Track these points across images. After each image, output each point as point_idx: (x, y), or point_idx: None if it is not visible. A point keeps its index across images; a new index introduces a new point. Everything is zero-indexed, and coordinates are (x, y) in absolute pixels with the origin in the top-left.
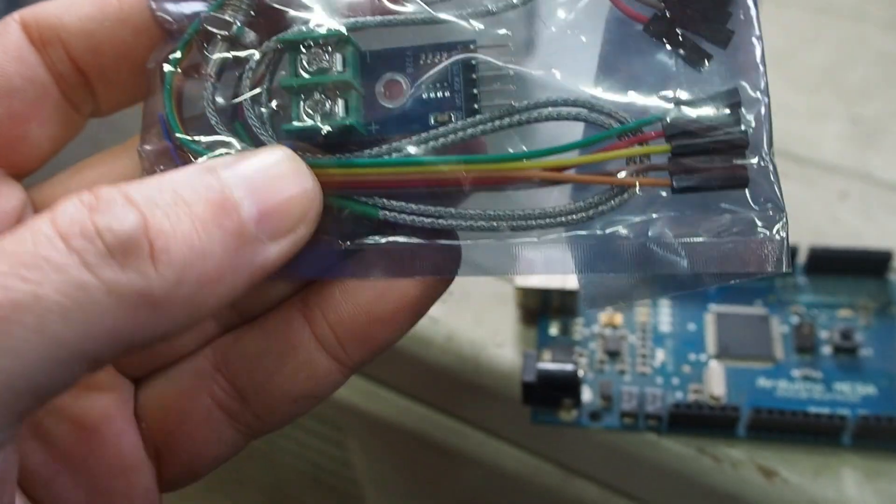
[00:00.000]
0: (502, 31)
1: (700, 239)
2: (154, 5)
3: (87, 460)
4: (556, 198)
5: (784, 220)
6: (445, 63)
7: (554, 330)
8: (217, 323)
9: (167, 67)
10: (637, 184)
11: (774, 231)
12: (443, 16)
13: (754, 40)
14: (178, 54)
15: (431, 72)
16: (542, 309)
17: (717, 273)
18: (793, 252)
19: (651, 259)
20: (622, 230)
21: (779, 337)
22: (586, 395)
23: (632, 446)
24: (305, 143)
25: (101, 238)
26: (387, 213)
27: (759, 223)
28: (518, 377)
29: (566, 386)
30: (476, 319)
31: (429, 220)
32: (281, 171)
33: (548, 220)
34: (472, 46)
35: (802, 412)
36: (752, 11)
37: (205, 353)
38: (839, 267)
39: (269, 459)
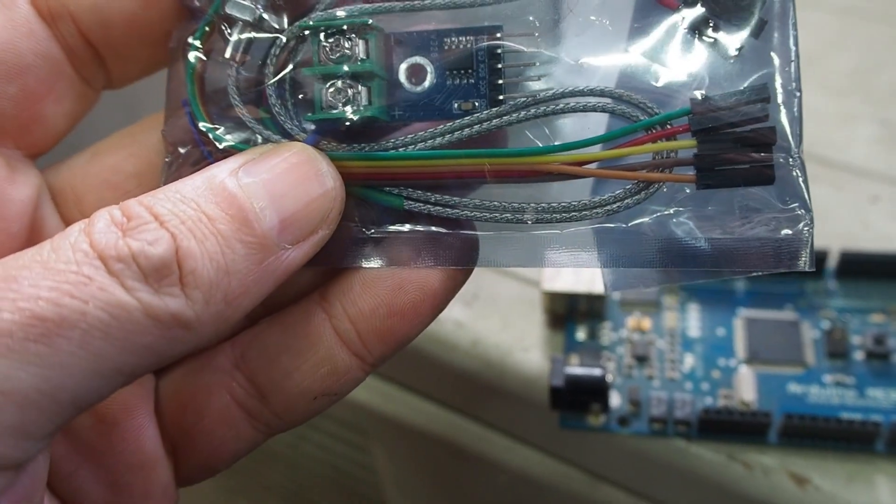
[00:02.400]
0: (530, 18)
1: (725, 235)
2: None
3: (108, 454)
4: (571, 190)
5: (810, 218)
6: (470, 49)
7: (581, 334)
8: None
9: (192, 53)
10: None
11: (800, 230)
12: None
13: (788, 31)
14: (198, 34)
15: (455, 57)
16: (568, 313)
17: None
18: (823, 256)
19: (675, 254)
20: (646, 224)
21: (810, 342)
22: (615, 400)
23: (661, 452)
24: (329, 130)
25: (136, 263)
26: (411, 203)
27: (784, 221)
28: (545, 382)
29: (594, 391)
30: (502, 324)
31: (452, 210)
32: (303, 173)
33: (572, 214)
34: (498, 34)
35: (835, 418)
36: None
37: (224, 350)
38: (871, 271)
39: (291, 464)
